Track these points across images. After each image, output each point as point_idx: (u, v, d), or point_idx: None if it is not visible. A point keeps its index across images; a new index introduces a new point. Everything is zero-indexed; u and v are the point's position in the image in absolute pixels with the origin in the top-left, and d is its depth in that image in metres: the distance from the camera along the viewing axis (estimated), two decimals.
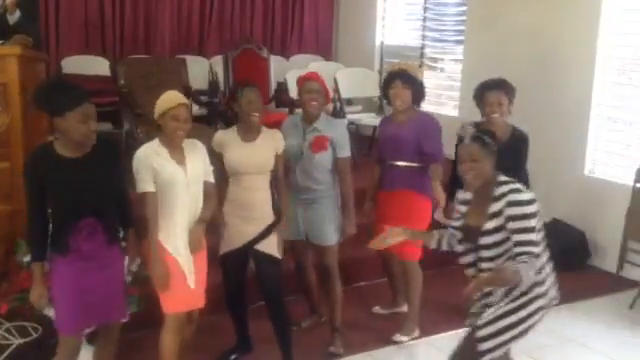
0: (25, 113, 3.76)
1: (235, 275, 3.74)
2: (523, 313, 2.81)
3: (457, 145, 2.95)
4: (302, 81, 3.95)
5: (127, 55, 7.03)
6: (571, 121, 5.60)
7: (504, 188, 2.79)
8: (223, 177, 3.63)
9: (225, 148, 3.63)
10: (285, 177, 3.78)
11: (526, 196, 2.75)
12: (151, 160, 3.20)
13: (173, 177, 3.22)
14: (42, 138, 4.13)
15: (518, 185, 2.81)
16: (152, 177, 3.19)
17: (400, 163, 4.04)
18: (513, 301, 2.81)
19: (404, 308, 4.41)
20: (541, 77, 5.80)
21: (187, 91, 6.10)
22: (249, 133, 3.63)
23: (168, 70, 6.12)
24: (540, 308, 2.84)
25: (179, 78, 6.11)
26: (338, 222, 3.93)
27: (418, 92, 4.05)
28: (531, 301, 2.81)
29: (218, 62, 7.01)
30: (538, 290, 2.82)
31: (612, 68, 5.44)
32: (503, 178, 2.84)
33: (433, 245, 3.15)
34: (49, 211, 2.91)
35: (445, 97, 7.26)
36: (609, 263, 5.36)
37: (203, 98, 6.45)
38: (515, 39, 6.08)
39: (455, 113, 6.88)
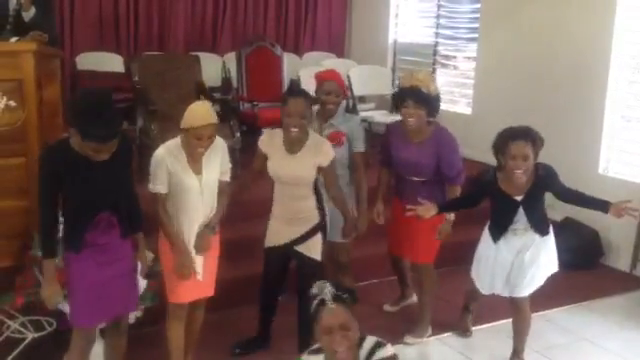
0: (41, 109, 3.78)
1: (276, 269, 3.78)
2: None
3: (316, 310, 2.38)
4: (320, 80, 3.92)
5: (141, 52, 7.06)
6: (585, 119, 5.57)
7: (367, 344, 2.41)
8: (254, 172, 3.68)
9: (270, 153, 3.61)
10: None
11: (391, 351, 2.40)
12: (167, 162, 3.21)
13: (187, 186, 3.25)
14: (57, 134, 4.17)
15: (378, 339, 2.44)
16: (167, 178, 3.23)
17: (420, 179, 3.92)
18: None
19: (414, 298, 4.44)
20: (555, 75, 5.78)
21: (200, 88, 6.13)
22: (292, 145, 3.56)
23: (182, 67, 6.14)
24: None
25: (192, 75, 6.13)
26: (352, 219, 3.89)
27: (433, 107, 3.79)
28: None
29: (231, 59, 7.03)
30: None
31: (627, 66, 5.41)
32: (361, 334, 2.41)
33: None
34: (61, 209, 2.91)
35: (458, 95, 7.25)
36: (622, 262, 5.35)
37: (216, 95, 6.48)
38: (529, 37, 6.06)
39: (468, 111, 6.86)
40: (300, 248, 3.65)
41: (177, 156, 3.23)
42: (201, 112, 3.18)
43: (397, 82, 4.16)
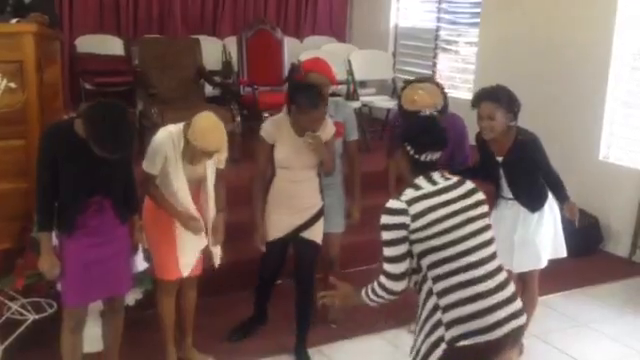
0: (41, 91, 3.77)
1: (277, 260, 3.75)
2: (425, 347, 2.40)
3: None
4: (305, 72, 3.75)
5: (141, 35, 7.02)
6: (587, 105, 5.56)
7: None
8: (262, 167, 3.57)
9: (277, 140, 3.51)
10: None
11: (389, 203, 2.42)
12: (166, 149, 3.21)
13: (182, 176, 3.26)
14: (57, 116, 4.16)
15: (404, 192, 2.44)
16: (162, 162, 3.23)
17: None
18: (421, 329, 2.43)
19: None
20: (557, 61, 5.76)
21: (201, 71, 6.10)
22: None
23: (182, 50, 6.10)
24: (440, 339, 2.33)
25: (193, 58, 6.10)
26: (344, 209, 3.90)
27: (444, 112, 3.71)
28: (431, 331, 2.38)
29: (232, 43, 6.99)
30: (436, 317, 2.37)
31: (628, 52, 5.39)
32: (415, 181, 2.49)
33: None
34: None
35: (459, 80, 7.23)
36: (621, 248, 5.36)
37: (217, 79, 6.45)
38: (530, 23, 6.03)
39: (469, 96, 6.82)
40: (305, 234, 3.61)
41: (177, 145, 3.22)
42: (216, 141, 3.15)
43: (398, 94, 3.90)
